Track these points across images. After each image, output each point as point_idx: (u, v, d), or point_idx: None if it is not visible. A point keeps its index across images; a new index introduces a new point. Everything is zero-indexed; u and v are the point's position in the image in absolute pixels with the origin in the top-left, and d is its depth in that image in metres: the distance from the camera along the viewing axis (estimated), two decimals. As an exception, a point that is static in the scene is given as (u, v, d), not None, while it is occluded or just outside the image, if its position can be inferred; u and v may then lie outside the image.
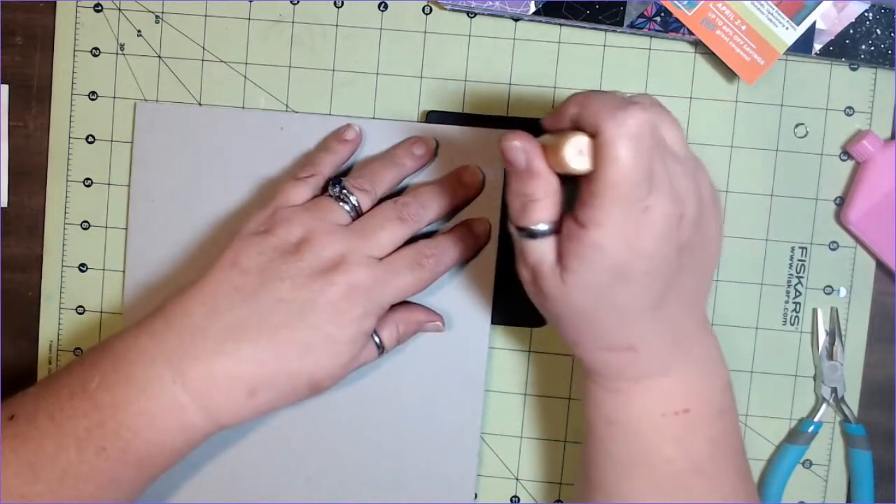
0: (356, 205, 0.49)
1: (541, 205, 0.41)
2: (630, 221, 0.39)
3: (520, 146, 0.41)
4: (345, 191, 0.49)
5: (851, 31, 0.52)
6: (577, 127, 0.40)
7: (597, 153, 0.39)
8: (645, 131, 0.38)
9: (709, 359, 0.46)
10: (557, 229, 0.42)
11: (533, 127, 0.44)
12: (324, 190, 0.51)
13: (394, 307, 0.50)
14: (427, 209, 0.51)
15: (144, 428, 0.45)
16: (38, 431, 0.45)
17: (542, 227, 0.42)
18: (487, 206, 0.53)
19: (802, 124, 0.55)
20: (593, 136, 0.39)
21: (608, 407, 0.46)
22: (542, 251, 0.42)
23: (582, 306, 0.42)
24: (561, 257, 0.41)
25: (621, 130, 0.38)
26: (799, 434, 0.55)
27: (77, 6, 0.56)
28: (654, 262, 0.40)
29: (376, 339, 0.51)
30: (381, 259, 0.48)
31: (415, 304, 0.54)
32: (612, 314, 0.42)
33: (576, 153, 0.39)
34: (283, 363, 0.46)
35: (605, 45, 0.55)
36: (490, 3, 0.53)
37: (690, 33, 0.52)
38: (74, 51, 0.56)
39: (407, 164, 0.52)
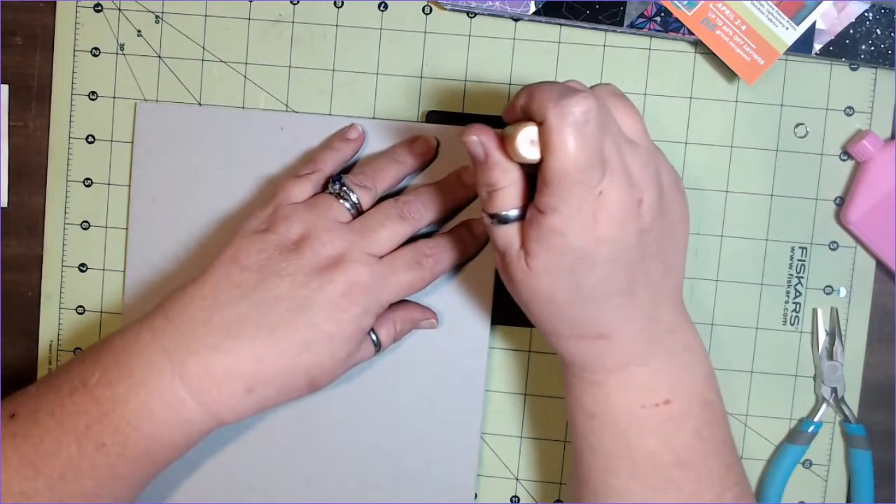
0: (356, 202, 0.50)
1: (504, 192, 0.42)
2: (585, 206, 0.40)
3: (477, 140, 0.42)
4: (345, 188, 0.50)
5: (851, 31, 0.52)
6: (528, 117, 0.41)
7: (543, 142, 0.40)
8: (590, 118, 0.39)
9: (688, 350, 0.46)
10: (522, 215, 0.43)
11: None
12: (324, 187, 0.51)
13: (391, 305, 0.50)
14: (428, 208, 0.51)
15: (144, 423, 0.45)
16: (38, 428, 0.45)
17: (511, 213, 0.43)
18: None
19: (802, 124, 0.55)
20: (542, 125, 0.40)
21: (588, 399, 0.46)
22: (509, 237, 0.43)
23: (548, 291, 0.42)
24: (524, 243, 0.42)
25: (565, 119, 0.38)
26: (799, 434, 0.55)
27: (77, 6, 0.56)
28: (614, 247, 0.41)
29: (373, 337, 0.51)
30: (380, 257, 0.49)
31: (410, 301, 0.54)
32: (578, 299, 0.42)
33: (527, 143, 0.40)
34: (282, 360, 0.46)
35: (605, 45, 0.55)
36: (490, 3, 0.53)
37: (690, 33, 0.52)
38: (74, 51, 0.56)
39: (408, 162, 0.52)
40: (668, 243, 0.44)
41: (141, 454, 0.46)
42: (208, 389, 0.46)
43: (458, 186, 0.53)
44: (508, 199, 0.43)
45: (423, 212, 0.51)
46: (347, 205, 0.49)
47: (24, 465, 0.45)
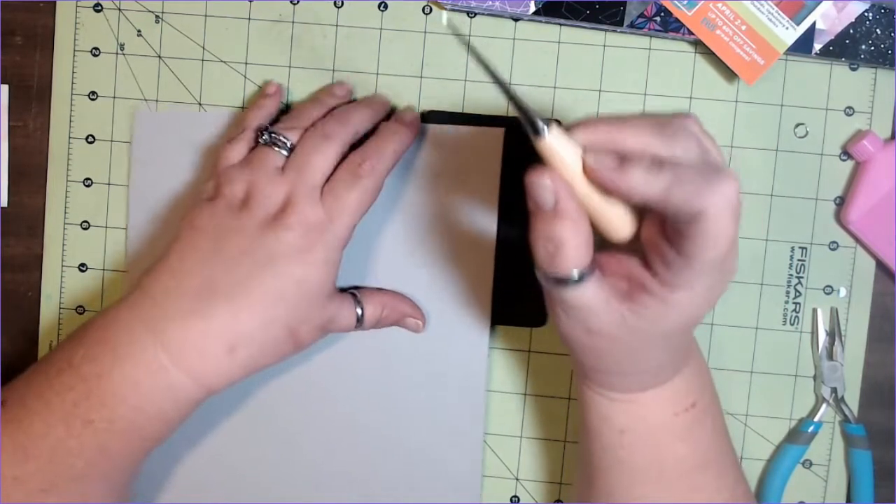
0: (286, 143, 0.50)
1: (571, 248, 0.37)
2: (718, 283, 0.38)
3: (549, 185, 0.36)
4: (274, 134, 0.50)
5: (851, 31, 0.52)
6: (658, 200, 0.36)
7: (694, 226, 0.36)
8: (738, 197, 0.36)
9: (697, 349, 0.47)
10: (592, 269, 0.39)
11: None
12: (256, 142, 0.51)
13: (383, 292, 0.50)
14: (342, 122, 0.50)
15: (130, 394, 0.45)
16: (27, 412, 0.46)
17: (576, 273, 0.37)
18: (483, 205, 0.53)
19: (802, 124, 0.55)
20: (691, 213, 0.35)
21: (619, 416, 0.45)
22: (586, 298, 0.38)
23: (630, 345, 0.40)
24: (627, 300, 0.39)
25: (729, 209, 0.36)
26: (799, 434, 0.55)
27: (77, 6, 0.56)
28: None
29: (358, 311, 0.51)
30: (322, 189, 0.48)
31: (404, 296, 0.54)
32: (649, 348, 0.42)
33: (626, 225, 0.38)
34: (257, 314, 0.46)
35: (605, 45, 0.55)
36: (490, 3, 0.53)
37: (690, 33, 0.52)
38: (74, 51, 0.56)
39: (328, 102, 0.53)
40: None
41: (129, 428, 0.46)
42: (189, 354, 0.45)
43: (371, 101, 0.53)
44: (575, 257, 0.37)
45: (341, 127, 0.50)
46: (283, 151, 0.49)
47: (16, 450, 0.45)
